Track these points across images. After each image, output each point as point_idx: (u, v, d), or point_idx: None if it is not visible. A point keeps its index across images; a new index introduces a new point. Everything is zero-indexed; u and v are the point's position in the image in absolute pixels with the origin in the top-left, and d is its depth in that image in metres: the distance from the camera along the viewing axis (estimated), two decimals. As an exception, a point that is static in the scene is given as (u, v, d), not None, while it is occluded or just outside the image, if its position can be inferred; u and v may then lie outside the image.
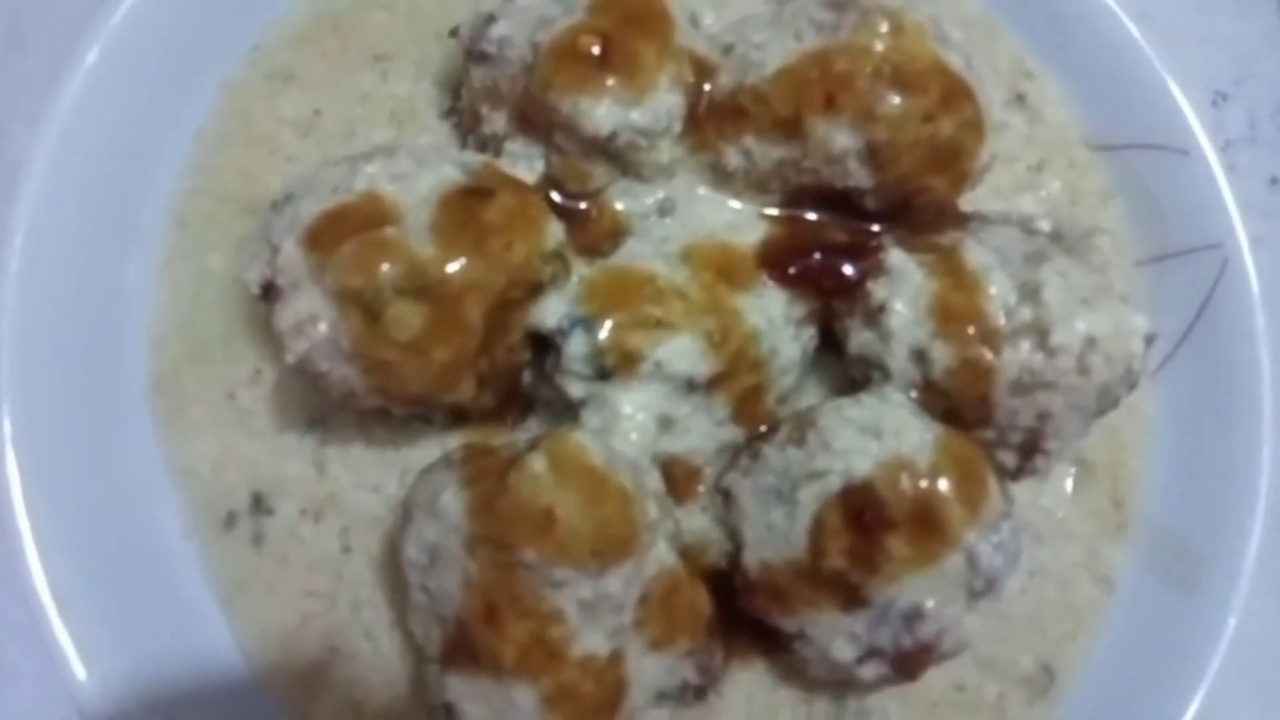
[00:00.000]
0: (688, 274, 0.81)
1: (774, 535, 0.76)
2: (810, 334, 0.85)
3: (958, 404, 0.78)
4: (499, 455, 0.73)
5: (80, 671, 0.77)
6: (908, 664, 0.75)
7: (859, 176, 0.81)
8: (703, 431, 0.81)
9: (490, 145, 0.85)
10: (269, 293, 0.74)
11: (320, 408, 0.86)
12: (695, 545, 0.80)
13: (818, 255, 0.84)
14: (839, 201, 0.85)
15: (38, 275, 0.83)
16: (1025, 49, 1.03)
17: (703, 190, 0.86)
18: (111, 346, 0.86)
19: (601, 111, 0.79)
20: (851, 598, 0.73)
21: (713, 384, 0.80)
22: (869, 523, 0.71)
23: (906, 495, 0.72)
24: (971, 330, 0.77)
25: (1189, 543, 0.92)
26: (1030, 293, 0.77)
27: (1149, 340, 0.80)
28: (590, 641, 0.69)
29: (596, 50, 0.78)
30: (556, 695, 0.68)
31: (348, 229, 0.73)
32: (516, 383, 0.83)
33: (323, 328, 0.72)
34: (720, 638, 0.79)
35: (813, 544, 0.73)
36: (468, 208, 0.75)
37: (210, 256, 0.89)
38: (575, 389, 0.79)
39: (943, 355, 0.77)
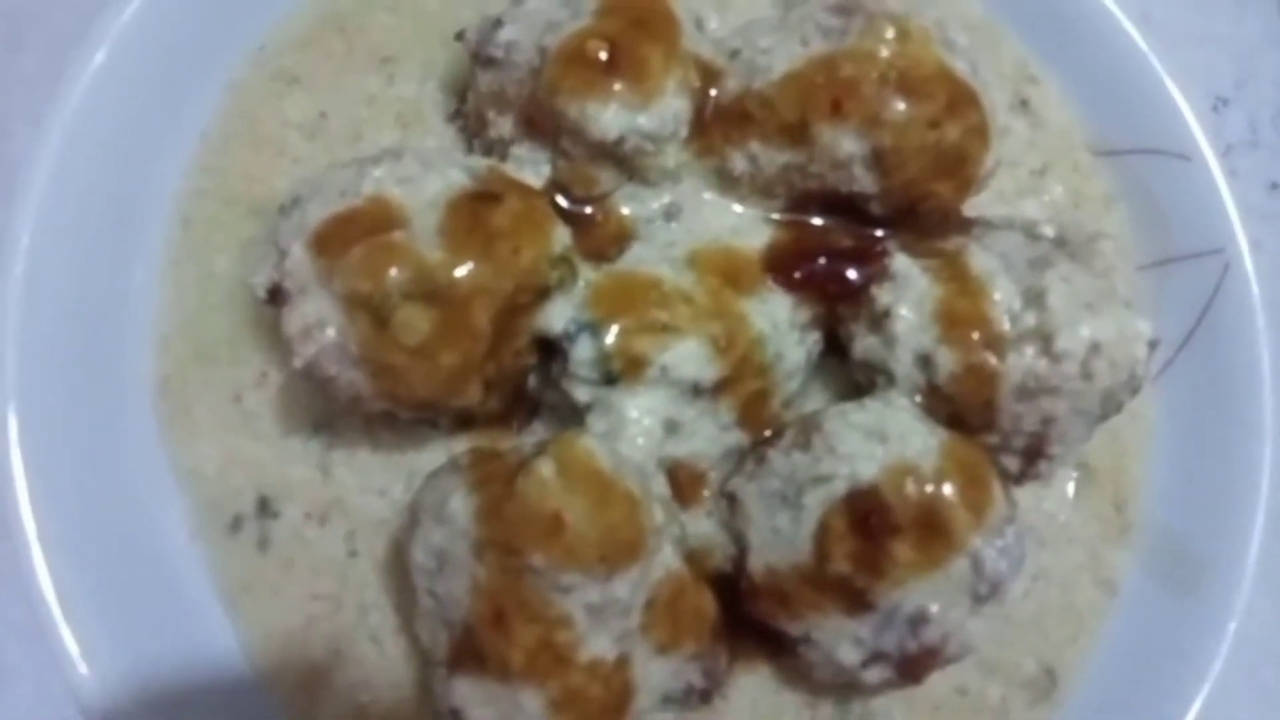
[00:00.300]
0: (693, 279, 0.81)
1: (779, 539, 0.76)
2: (815, 339, 0.85)
3: (962, 409, 0.79)
4: (506, 460, 0.73)
5: (83, 672, 0.77)
6: (912, 668, 0.76)
7: (864, 182, 0.82)
8: (708, 436, 0.82)
9: (496, 149, 0.85)
10: (276, 297, 0.74)
11: (326, 411, 0.85)
12: (700, 549, 0.80)
13: (823, 260, 0.84)
14: (844, 206, 0.85)
15: (42, 276, 0.82)
16: (1029, 53, 1.03)
17: (708, 195, 0.86)
18: (116, 348, 0.86)
19: (608, 116, 0.79)
20: (856, 602, 0.73)
21: (718, 389, 0.80)
22: (874, 527, 0.72)
23: (911, 500, 0.72)
24: (976, 335, 0.77)
25: (1190, 546, 0.93)
26: (1034, 298, 0.78)
27: (1152, 345, 0.80)
28: (597, 646, 0.69)
29: (603, 55, 0.78)
30: (564, 699, 0.68)
31: (355, 233, 0.73)
32: (523, 387, 0.83)
33: (331, 332, 0.72)
34: (725, 641, 0.79)
35: (818, 548, 0.73)
36: (475, 212, 0.75)
37: (216, 258, 0.89)
38: (581, 393, 0.79)
39: (947, 360, 0.78)
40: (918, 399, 0.80)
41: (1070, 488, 0.94)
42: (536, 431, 0.86)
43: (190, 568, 0.84)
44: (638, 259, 0.83)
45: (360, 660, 0.82)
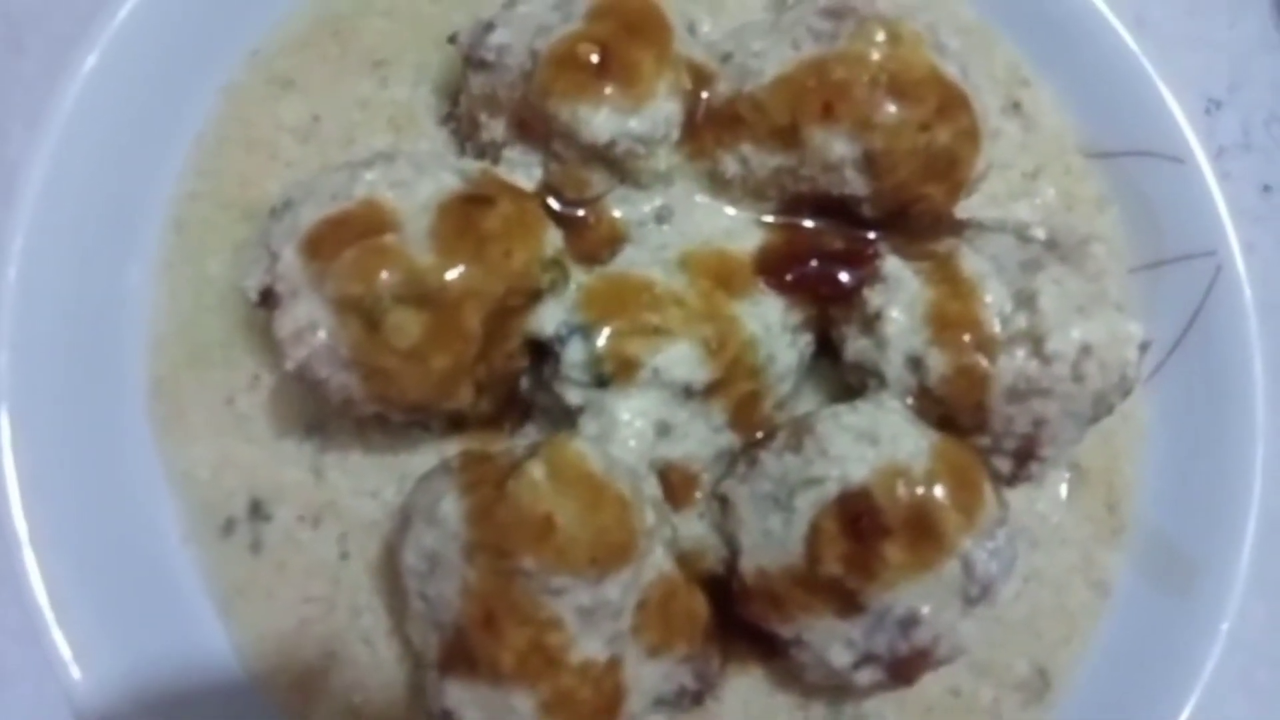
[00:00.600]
0: (685, 281, 0.82)
1: (771, 541, 0.76)
2: (807, 341, 0.85)
3: (953, 411, 0.79)
4: (497, 462, 0.73)
5: (77, 675, 0.77)
6: (904, 670, 0.76)
7: (856, 184, 0.82)
8: (700, 438, 0.82)
9: (489, 152, 0.85)
10: (268, 300, 0.75)
11: (319, 414, 0.86)
12: (693, 551, 0.81)
13: (814, 262, 0.85)
14: (836, 209, 0.85)
15: (37, 279, 0.82)
16: (1021, 56, 1.03)
17: (700, 198, 0.86)
18: (110, 350, 0.86)
19: (600, 119, 0.79)
20: (848, 604, 0.73)
21: (710, 391, 0.81)
22: (865, 529, 0.72)
23: (902, 502, 0.72)
24: (967, 338, 0.78)
25: (1183, 547, 0.93)
26: (1026, 300, 0.78)
27: (1143, 348, 0.80)
28: (588, 648, 0.69)
29: (595, 58, 0.78)
30: (555, 701, 0.69)
31: (347, 236, 0.73)
32: (515, 390, 0.83)
33: (322, 335, 0.72)
34: (717, 643, 0.79)
35: (809, 550, 0.74)
36: (467, 215, 0.75)
37: (209, 261, 0.89)
38: (573, 396, 0.79)
39: (938, 362, 0.78)
40: (909, 401, 0.80)
41: (1063, 489, 0.94)
42: (529, 434, 0.86)
43: (183, 570, 0.84)
44: (630, 261, 0.83)
45: (353, 662, 0.82)
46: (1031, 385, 0.77)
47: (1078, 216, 1.00)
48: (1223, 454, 0.94)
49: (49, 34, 1.03)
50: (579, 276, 0.81)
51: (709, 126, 0.84)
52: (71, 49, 0.86)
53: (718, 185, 0.85)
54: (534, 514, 0.67)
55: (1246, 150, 1.18)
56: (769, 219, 0.86)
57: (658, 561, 0.74)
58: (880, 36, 0.80)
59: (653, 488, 0.78)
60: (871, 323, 0.81)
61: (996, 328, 0.78)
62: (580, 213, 0.84)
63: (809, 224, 0.87)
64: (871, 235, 0.86)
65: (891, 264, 0.82)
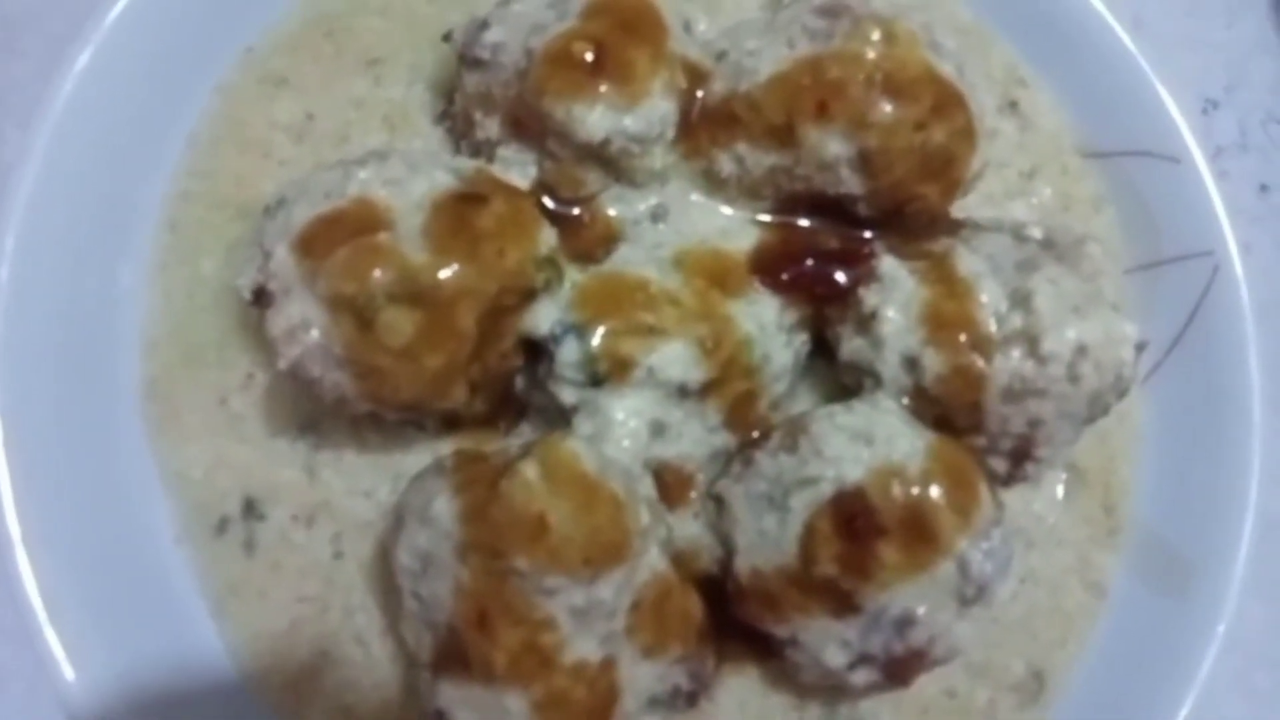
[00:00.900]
0: (680, 280, 0.81)
1: (766, 541, 0.76)
2: (802, 340, 0.85)
3: (949, 411, 0.79)
4: (491, 462, 0.73)
5: (70, 675, 0.76)
6: (899, 670, 0.75)
7: (851, 184, 0.82)
8: (695, 438, 0.82)
9: (483, 151, 0.85)
10: (261, 298, 0.74)
11: (313, 413, 0.85)
12: (687, 551, 0.80)
13: (810, 262, 0.85)
14: (831, 208, 0.85)
15: (29, 279, 0.82)
16: (1018, 56, 1.03)
17: (695, 196, 0.86)
18: (103, 350, 0.86)
19: (594, 118, 0.79)
20: (843, 604, 0.73)
21: (705, 390, 0.80)
22: (860, 529, 0.72)
23: (898, 502, 0.72)
24: (963, 337, 0.77)
25: (1179, 548, 0.92)
26: (1021, 300, 0.78)
27: (1139, 348, 0.80)
28: (582, 648, 0.69)
29: (590, 56, 0.78)
30: (548, 702, 0.68)
31: (340, 234, 0.73)
32: (509, 389, 0.83)
33: (315, 334, 0.72)
34: (712, 644, 0.79)
35: (804, 550, 0.73)
36: (460, 214, 0.75)
37: (203, 261, 0.89)
38: (568, 395, 0.79)
39: (934, 362, 0.78)
40: (905, 401, 0.80)
41: (1060, 490, 0.94)
42: (523, 433, 0.86)
43: (176, 570, 0.83)
44: (624, 260, 0.83)
45: (346, 662, 0.82)
46: (1027, 385, 0.77)
47: (1074, 216, 0.99)
48: (1220, 455, 0.94)
49: (44, 35, 1.03)
50: (573, 275, 0.81)
51: (704, 125, 0.84)
52: (65, 49, 0.86)
53: (713, 184, 0.85)
54: (527, 514, 0.67)
55: (1244, 150, 1.18)
56: (764, 218, 0.86)
57: (652, 561, 0.74)
58: (875, 35, 0.80)
59: (647, 487, 0.78)
60: (867, 322, 0.80)
61: (992, 327, 0.78)
62: (575, 211, 0.84)
63: (804, 223, 0.87)
64: (867, 235, 0.86)
65: (887, 263, 0.82)
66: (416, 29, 0.95)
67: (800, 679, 0.79)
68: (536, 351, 0.81)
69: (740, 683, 0.85)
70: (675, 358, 0.79)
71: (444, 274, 0.72)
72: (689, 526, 0.81)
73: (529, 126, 0.82)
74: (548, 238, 0.79)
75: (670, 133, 0.83)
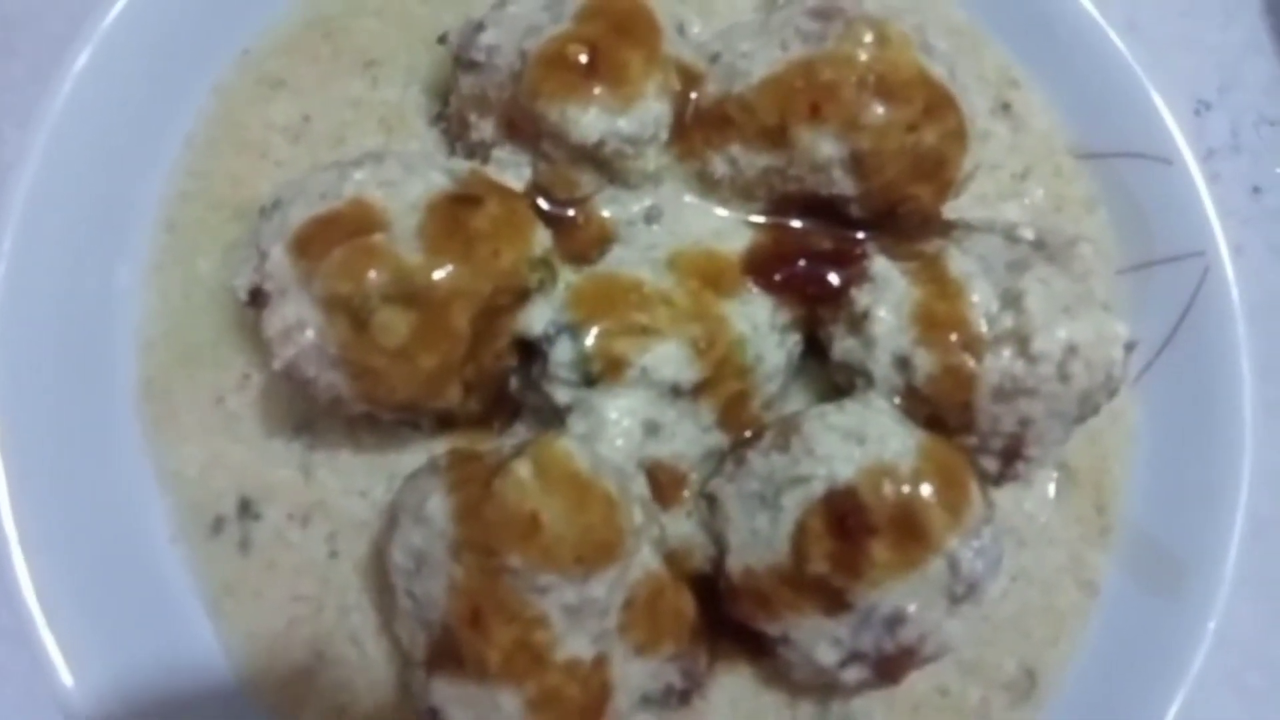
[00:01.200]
0: (674, 281, 0.82)
1: (758, 540, 0.76)
2: (795, 340, 0.86)
3: (940, 410, 0.79)
4: (485, 461, 0.73)
5: (66, 675, 0.77)
6: (890, 668, 0.76)
7: (843, 185, 0.82)
8: (688, 437, 0.82)
9: (478, 152, 0.86)
10: (257, 299, 0.75)
11: (308, 413, 0.86)
12: (680, 550, 0.80)
13: (803, 262, 0.85)
14: (824, 209, 0.85)
15: (27, 278, 0.83)
16: (1011, 58, 1.04)
17: (689, 198, 0.86)
18: (100, 351, 0.86)
19: (589, 119, 0.79)
20: (834, 602, 0.73)
21: (698, 390, 0.81)
22: (852, 528, 0.72)
23: (889, 501, 0.72)
24: (954, 337, 0.78)
25: (1171, 547, 0.93)
26: (1012, 300, 0.78)
27: (1129, 348, 0.80)
28: (575, 646, 0.69)
29: (584, 58, 0.79)
30: (541, 700, 0.69)
31: (336, 235, 0.73)
32: (503, 389, 0.83)
33: (310, 334, 0.72)
34: (705, 642, 0.80)
35: (796, 549, 0.74)
36: (455, 215, 0.75)
37: (199, 261, 0.89)
38: (561, 395, 0.79)
39: (925, 362, 0.78)
40: (896, 400, 0.80)
41: (1051, 489, 0.94)
42: (518, 433, 0.86)
43: (172, 569, 0.84)
44: (618, 261, 0.83)
45: (341, 661, 0.82)
46: (1017, 385, 0.77)
47: (1066, 217, 1.00)
48: (1211, 455, 0.94)
49: (43, 35, 1.04)
50: (567, 276, 0.81)
51: (698, 127, 0.84)
52: (62, 50, 0.86)
53: (706, 185, 0.86)
54: (520, 512, 0.68)
55: (1236, 152, 1.18)
56: (757, 219, 0.87)
57: (645, 560, 0.74)
58: (868, 37, 0.80)
59: (640, 487, 0.78)
60: (859, 322, 0.81)
61: (983, 327, 0.78)
62: (569, 213, 0.84)
63: (797, 224, 0.87)
64: (859, 235, 0.86)
65: (879, 264, 0.83)
66: (412, 31, 0.95)
67: (792, 677, 0.80)
68: (530, 352, 0.81)
69: (733, 681, 0.85)
70: (668, 358, 0.79)
71: (438, 275, 0.73)
72: (682, 525, 0.82)
73: (523, 128, 0.82)
74: (542, 239, 0.80)
75: (664, 134, 0.83)
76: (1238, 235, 1.00)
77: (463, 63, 0.84)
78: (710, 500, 0.81)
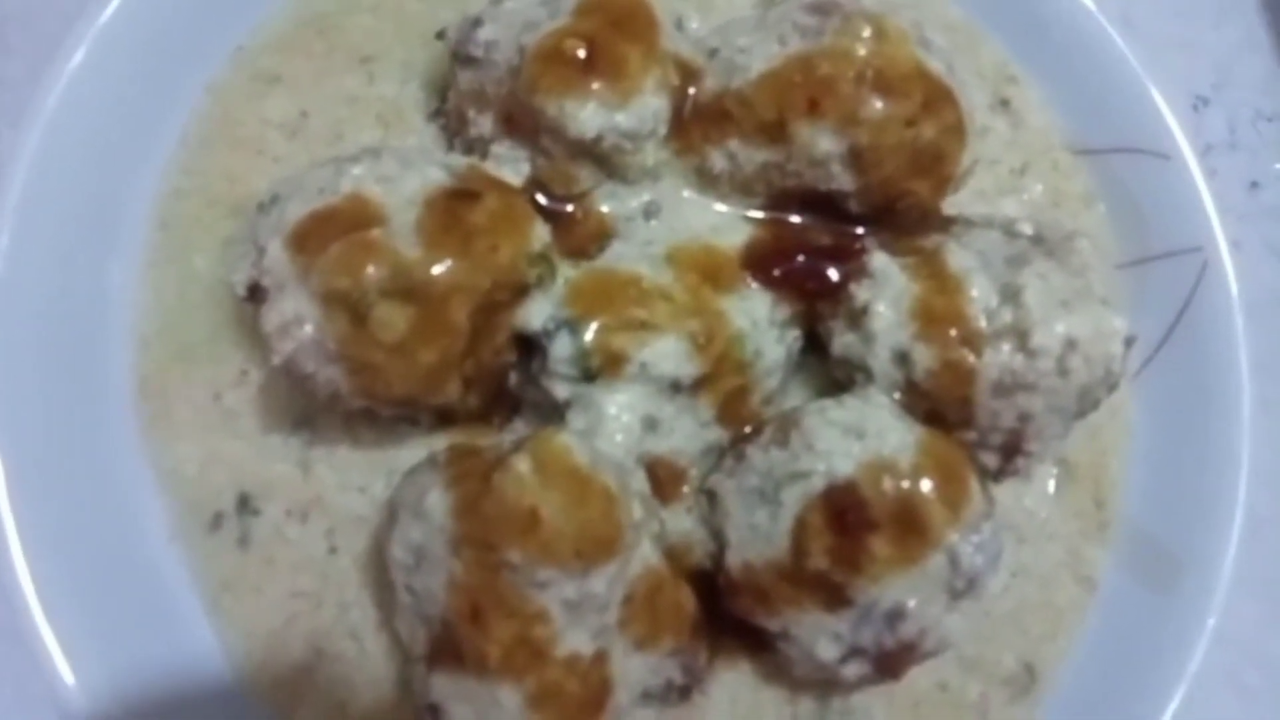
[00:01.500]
0: (673, 276, 0.82)
1: (757, 535, 0.76)
2: (794, 336, 0.86)
3: (939, 405, 0.79)
4: (484, 456, 0.73)
5: (64, 673, 0.76)
6: (890, 663, 0.76)
7: (842, 180, 0.82)
8: (687, 433, 0.82)
9: (476, 147, 0.86)
10: (255, 294, 0.75)
11: (306, 409, 0.86)
12: (680, 545, 0.81)
13: (802, 258, 0.85)
14: (823, 205, 0.85)
15: (22, 277, 0.82)
16: (1009, 54, 1.04)
17: (688, 193, 0.86)
18: (97, 348, 0.86)
19: (587, 114, 0.79)
20: (834, 598, 0.73)
21: (697, 385, 0.81)
22: (851, 523, 0.72)
23: (888, 496, 0.72)
24: (953, 332, 0.78)
25: (1169, 543, 0.93)
26: (1011, 295, 0.78)
27: (1128, 342, 0.81)
28: (575, 641, 0.69)
29: (582, 53, 0.79)
30: (541, 695, 0.68)
31: (333, 231, 0.73)
32: (502, 384, 0.83)
33: (308, 329, 0.72)
34: (705, 637, 0.79)
35: (795, 544, 0.74)
36: (453, 210, 0.75)
37: (195, 258, 0.89)
38: (561, 390, 0.79)
39: (924, 357, 0.78)
40: (895, 396, 0.80)
41: (1050, 484, 0.94)
42: (517, 428, 0.86)
43: (170, 567, 0.84)
44: (617, 256, 0.83)
45: (341, 657, 0.82)
46: (1017, 380, 0.77)
47: (1065, 212, 1.00)
48: (1209, 450, 0.94)
49: (36, 33, 1.03)
50: (566, 271, 0.81)
51: (696, 122, 0.84)
52: (56, 48, 0.86)
53: (705, 181, 0.85)
54: (519, 507, 0.67)
55: (1233, 148, 1.19)
56: (756, 214, 0.87)
57: (645, 555, 0.74)
58: (866, 32, 0.80)
59: (640, 482, 0.78)
60: (858, 318, 0.81)
61: (982, 322, 0.78)
62: (568, 208, 0.84)
63: (796, 219, 0.87)
64: (858, 231, 0.87)
65: (878, 259, 0.83)
66: (409, 26, 0.95)
67: (793, 672, 0.80)
68: (529, 347, 0.81)
69: (733, 676, 0.85)
70: (668, 353, 0.79)
71: (437, 270, 0.73)
72: (681, 521, 0.82)
73: (522, 123, 0.82)
74: (540, 234, 0.80)
75: (662, 129, 0.83)
76: (1235, 231, 1.00)
77: (460, 58, 0.84)
78: (710, 496, 0.81)
